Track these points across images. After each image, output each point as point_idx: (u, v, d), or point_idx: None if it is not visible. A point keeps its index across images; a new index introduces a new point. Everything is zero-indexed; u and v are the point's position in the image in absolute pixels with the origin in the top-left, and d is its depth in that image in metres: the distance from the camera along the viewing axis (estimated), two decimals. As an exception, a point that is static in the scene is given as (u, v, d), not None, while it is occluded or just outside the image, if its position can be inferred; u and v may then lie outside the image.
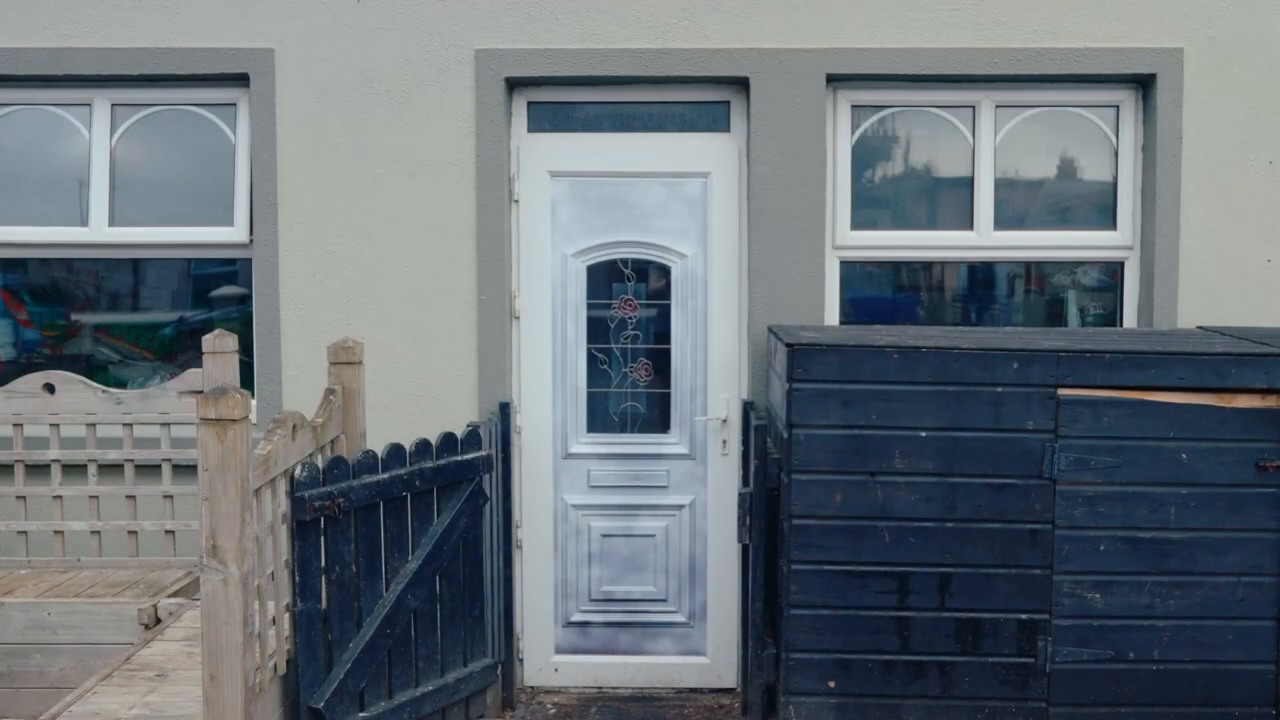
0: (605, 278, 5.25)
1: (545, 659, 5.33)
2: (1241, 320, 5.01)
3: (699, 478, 5.27)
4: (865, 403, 4.13)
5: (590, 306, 5.25)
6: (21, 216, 5.32)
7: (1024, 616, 4.18)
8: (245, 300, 5.31)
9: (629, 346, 5.26)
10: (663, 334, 5.25)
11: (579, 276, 5.23)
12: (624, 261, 5.23)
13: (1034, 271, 5.28)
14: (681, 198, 5.16)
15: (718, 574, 5.24)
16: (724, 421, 5.20)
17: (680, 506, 5.27)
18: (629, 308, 5.25)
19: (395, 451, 4.10)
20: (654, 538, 5.29)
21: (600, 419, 5.29)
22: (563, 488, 5.29)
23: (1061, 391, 4.10)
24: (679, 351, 5.23)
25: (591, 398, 5.28)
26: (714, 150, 5.15)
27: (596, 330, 5.26)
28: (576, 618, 5.33)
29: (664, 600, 5.31)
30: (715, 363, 5.20)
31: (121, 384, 5.34)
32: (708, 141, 5.18)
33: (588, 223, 5.21)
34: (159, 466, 4.75)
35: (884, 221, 5.24)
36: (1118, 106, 5.14)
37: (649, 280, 5.25)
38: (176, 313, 5.45)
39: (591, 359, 5.27)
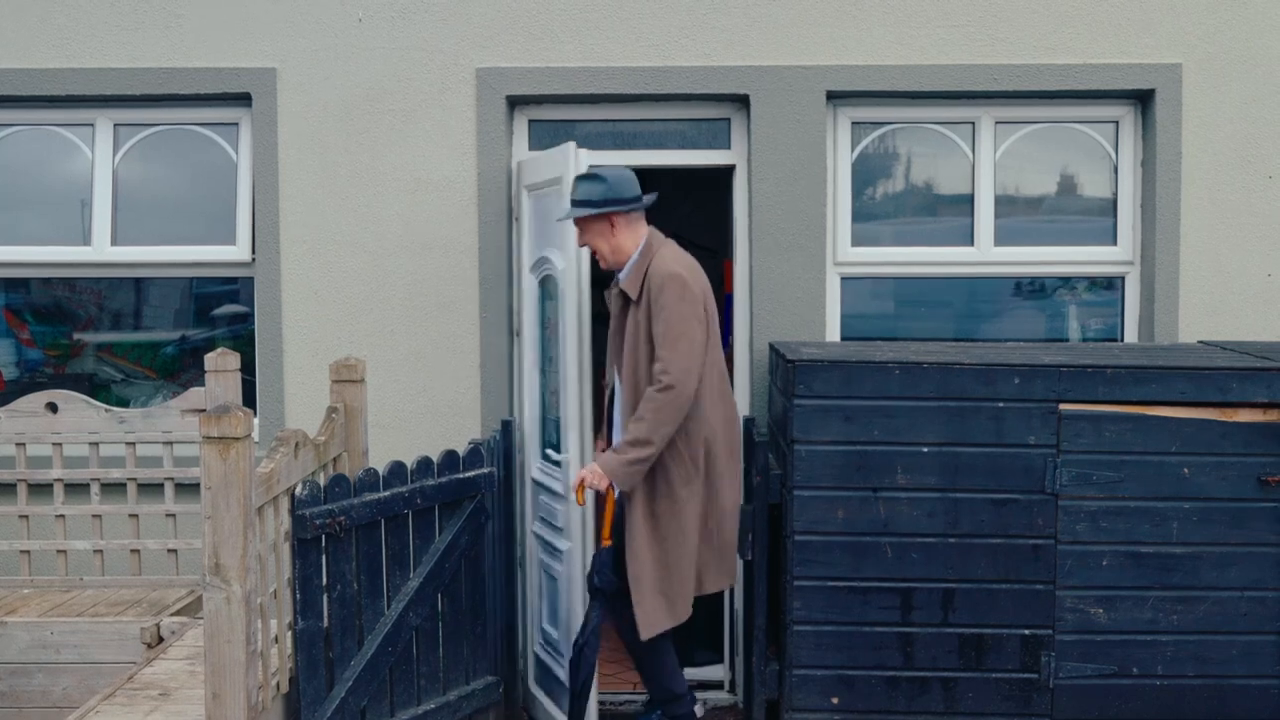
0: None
1: (548, 676, 5.30)
2: (1243, 335, 5.01)
3: None
4: (867, 418, 4.14)
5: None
6: (24, 236, 5.33)
7: (1027, 632, 4.17)
8: (247, 318, 5.32)
9: None
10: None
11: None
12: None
13: (1035, 287, 5.29)
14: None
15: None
16: None
17: None
18: None
19: (397, 469, 4.10)
20: None
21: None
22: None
23: (1063, 406, 4.11)
24: None
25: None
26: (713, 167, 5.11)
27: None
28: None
29: None
30: None
31: (124, 403, 5.35)
32: (708, 159, 5.18)
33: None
34: (161, 485, 4.75)
35: (885, 238, 5.24)
36: (1117, 122, 5.16)
37: None
38: (179, 331, 5.46)
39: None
